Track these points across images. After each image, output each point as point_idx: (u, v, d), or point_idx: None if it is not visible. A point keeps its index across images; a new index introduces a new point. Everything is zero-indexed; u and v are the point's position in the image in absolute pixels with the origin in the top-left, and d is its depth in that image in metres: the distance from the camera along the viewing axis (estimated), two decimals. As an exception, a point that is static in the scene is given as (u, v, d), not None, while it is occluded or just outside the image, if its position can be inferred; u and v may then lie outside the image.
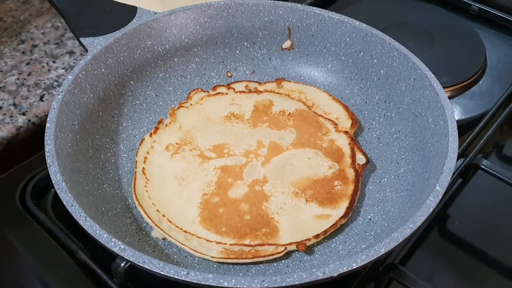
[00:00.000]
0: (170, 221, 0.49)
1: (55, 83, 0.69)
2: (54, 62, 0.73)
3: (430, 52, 0.72)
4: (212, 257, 0.46)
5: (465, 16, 0.82)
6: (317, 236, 0.48)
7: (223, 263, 0.47)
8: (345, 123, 0.59)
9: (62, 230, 0.52)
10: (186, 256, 0.48)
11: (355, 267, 0.37)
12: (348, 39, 0.61)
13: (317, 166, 0.54)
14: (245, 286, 0.35)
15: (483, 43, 0.74)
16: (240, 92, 0.63)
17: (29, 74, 0.70)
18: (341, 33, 0.61)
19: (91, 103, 0.55)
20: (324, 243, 0.49)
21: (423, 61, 0.55)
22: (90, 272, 0.48)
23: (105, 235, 0.39)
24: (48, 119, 0.48)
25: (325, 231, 0.48)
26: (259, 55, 0.66)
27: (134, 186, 0.52)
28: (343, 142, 0.56)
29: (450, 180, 0.43)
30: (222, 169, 0.54)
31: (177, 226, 0.48)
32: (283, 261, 0.47)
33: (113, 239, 0.39)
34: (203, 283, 0.36)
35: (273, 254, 0.47)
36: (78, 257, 0.50)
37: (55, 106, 0.49)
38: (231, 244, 0.47)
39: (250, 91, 0.63)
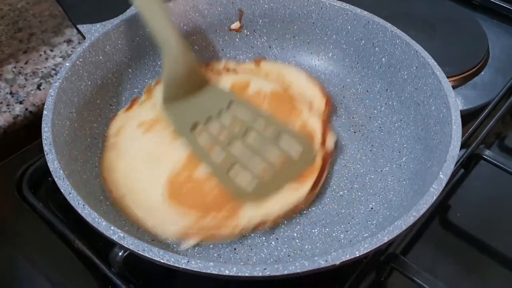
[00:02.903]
0: (134, 197, 0.48)
1: (53, 72, 0.68)
2: (51, 50, 0.71)
3: (432, 42, 0.72)
4: (172, 233, 0.46)
5: (467, 6, 0.82)
6: (277, 217, 0.48)
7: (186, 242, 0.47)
8: (320, 104, 0.57)
9: (59, 219, 0.51)
10: (185, 245, 0.47)
11: (358, 255, 0.36)
12: (349, 27, 0.60)
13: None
14: (246, 274, 0.35)
15: (485, 33, 0.74)
16: (218, 71, 0.61)
17: (26, 63, 0.69)
18: (342, 21, 0.60)
19: (88, 91, 0.54)
20: (326, 232, 0.48)
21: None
22: (88, 262, 0.48)
23: (104, 223, 0.38)
24: (45, 106, 0.47)
25: (285, 213, 0.48)
26: (259, 43, 0.65)
27: (102, 160, 0.52)
28: (315, 124, 0.55)
29: (453, 169, 0.43)
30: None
31: (141, 203, 0.48)
32: (284, 250, 0.47)
33: (112, 227, 0.38)
34: (204, 271, 0.35)
35: (234, 232, 0.47)
36: (75, 247, 0.49)
37: (52, 93, 0.48)
38: (194, 221, 0.47)
39: (228, 71, 0.62)
